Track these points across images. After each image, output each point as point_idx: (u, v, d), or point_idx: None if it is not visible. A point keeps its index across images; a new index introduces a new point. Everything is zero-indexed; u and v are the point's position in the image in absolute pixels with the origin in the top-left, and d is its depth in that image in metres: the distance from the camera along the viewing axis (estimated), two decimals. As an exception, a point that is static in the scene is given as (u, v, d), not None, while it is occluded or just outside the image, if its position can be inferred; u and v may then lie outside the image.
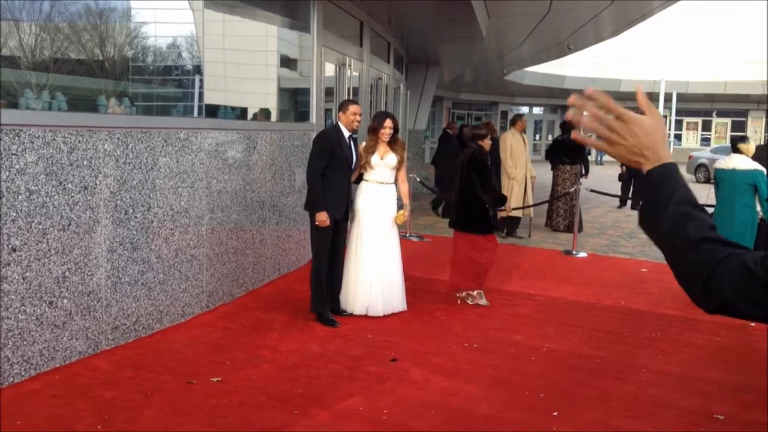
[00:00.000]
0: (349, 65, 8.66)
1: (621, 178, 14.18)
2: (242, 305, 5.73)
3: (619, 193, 13.83)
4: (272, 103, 7.35)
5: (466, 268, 6.08)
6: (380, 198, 5.63)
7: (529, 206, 9.83)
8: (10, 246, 3.69)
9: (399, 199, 5.85)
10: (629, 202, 13.77)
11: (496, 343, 5.03)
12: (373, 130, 5.61)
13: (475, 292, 6.12)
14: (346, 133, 5.48)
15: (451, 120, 27.26)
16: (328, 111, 8.10)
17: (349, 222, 5.72)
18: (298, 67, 8.02)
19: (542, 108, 35.83)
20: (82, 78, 4.95)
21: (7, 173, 3.65)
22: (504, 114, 32.45)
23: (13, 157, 3.68)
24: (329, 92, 8.14)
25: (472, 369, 4.49)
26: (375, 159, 5.58)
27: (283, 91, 7.70)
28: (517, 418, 3.76)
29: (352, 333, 5.10)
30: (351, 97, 8.82)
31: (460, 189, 6.15)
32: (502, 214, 8.21)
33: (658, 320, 5.86)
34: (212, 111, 6.05)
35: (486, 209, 6.05)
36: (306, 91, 7.62)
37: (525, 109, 35.78)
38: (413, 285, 6.67)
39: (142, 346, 4.59)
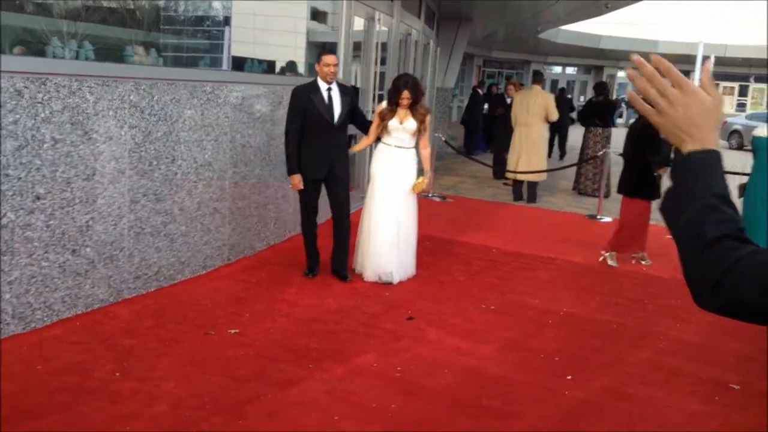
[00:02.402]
0: (379, 20, 8.53)
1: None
2: (263, 259, 5.79)
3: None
4: (300, 57, 7.29)
5: (632, 232, 6.42)
6: (397, 163, 5.36)
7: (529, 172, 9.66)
8: (34, 194, 3.75)
9: (420, 165, 5.66)
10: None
11: (513, 306, 5.03)
12: (390, 100, 5.32)
13: (640, 253, 6.60)
14: (324, 86, 5.11)
15: (481, 79, 26.91)
16: (355, 58, 8.01)
17: (368, 184, 5.61)
18: (327, 20, 7.92)
19: (576, 68, 35.12)
20: (112, 27, 4.96)
21: (33, 121, 3.69)
22: (536, 73, 31.93)
23: (39, 105, 3.72)
24: (357, 47, 8.05)
25: (488, 331, 4.51)
26: (393, 123, 5.27)
27: (311, 45, 7.63)
28: (530, 381, 3.78)
29: (369, 291, 5.14)
30: (379, 54, 8.71)
31: (632, 155, 6.36)
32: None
33: (678, 287, 5.80)
34: (239, 63, 6.03)
35: (654, 176, 6.25)
36: (335, 46, 7.54)
37: (558, 69, 35.14)
38: (433, 245, 6.69)
39: (163, 296, 4.67)
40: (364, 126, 5.49)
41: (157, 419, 3.06)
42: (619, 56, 31.50)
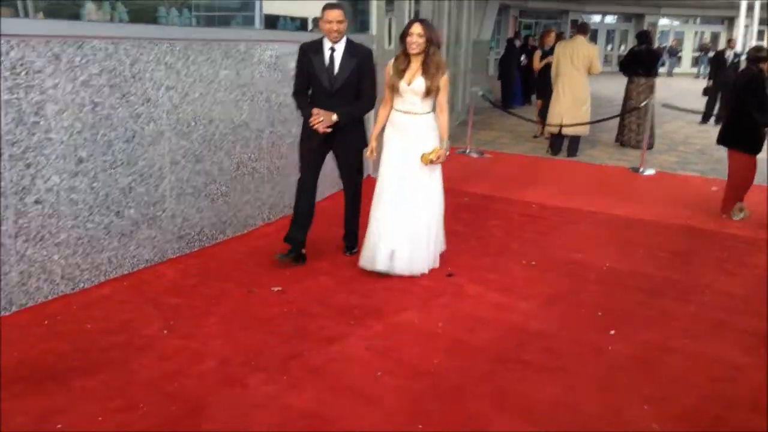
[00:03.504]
0: (412, -27, 8.36)
1: (706, 92, 13.56)
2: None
3: (691, 107, 13.26)
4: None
5: (741, 185, 6.38)
6: (409, 132, 4.47)
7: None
8: (77, 157, 3.80)
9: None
10: (713, 118, 13.16)
11: (555, 261, 4.99)
12: (401, 38, 4.45)
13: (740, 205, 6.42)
14: (327, 45, 4.49)
15: (517, 30, 26.31)
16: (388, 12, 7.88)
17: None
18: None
19: (615, 17, 34.12)
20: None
21: (72, 85, 3.72)
22: (574, 23, 31.11)
23: (77, 69, 3.74)
24: (390, 0, 7.90)
25: (528, 286, 4.48)
26: (402, 85, 4.39)
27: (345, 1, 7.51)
28: (572, 336, 3.76)
29: (409, 247, 5.14)
30: (412, 7, 8.54)
31: (735, 109, 6.32)
32: None
33: (724, 240, 5.69)
34: (272, 22, 5.98)
35: (759, 131, 6.19)
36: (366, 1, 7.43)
37: (597, 18, 34.18)
38: (472, 201, 6.65)
39: (206, 255, 4.74)
40: (360, 95, 4.59)
41: (204, 375, 3.13)
42: (660, 3, 30.49)
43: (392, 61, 4.50)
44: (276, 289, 4.18)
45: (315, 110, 4.40)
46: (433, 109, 4.52)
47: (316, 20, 6.82)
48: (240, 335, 3.55)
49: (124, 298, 3.91)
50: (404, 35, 4.38)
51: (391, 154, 4.52)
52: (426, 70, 4.36)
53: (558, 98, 9.40)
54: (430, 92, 4.37)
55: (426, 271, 4.52)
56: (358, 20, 7.76)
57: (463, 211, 6.30)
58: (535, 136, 10.93)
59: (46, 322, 3.54)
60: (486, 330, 3.78)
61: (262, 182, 5.44)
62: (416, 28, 4.32)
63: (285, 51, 5.61)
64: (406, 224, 4.43)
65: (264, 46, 5.30)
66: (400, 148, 4.48)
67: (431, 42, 4.34)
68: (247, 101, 5.15)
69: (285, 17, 6.37)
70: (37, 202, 3.62)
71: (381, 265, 4.42)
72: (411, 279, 4.44)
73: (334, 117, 4.40)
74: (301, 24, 6.72)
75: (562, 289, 4.46)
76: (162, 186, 4.42)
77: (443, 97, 4.49)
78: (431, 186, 4.53)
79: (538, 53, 11.04)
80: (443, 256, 4.77)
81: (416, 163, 4.43)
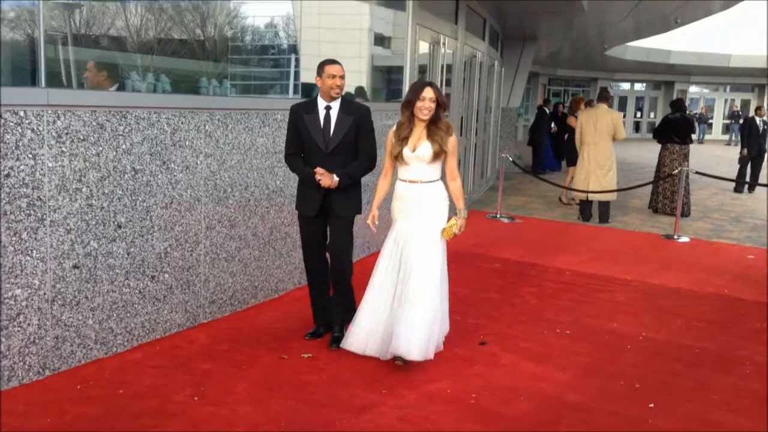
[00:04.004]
0: (444, 43, 8.56)
1: (742, 160, 13.49)
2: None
3: (724, 175, 13.16)
4: (364, 82, 7.37)
5: None
6: (416, 203, 4.15)
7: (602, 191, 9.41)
8: (116, 222, 3.88)
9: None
10: (746, 187, 13.07)
11: (590, 330, 4.90)
12: (407, 104, 4.10)
13: None
14: (322, 104, 4.21)
15: (546, 97, 26.61)
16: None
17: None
18: (390, 44, 8.00)
19: (644, 84, 34.36)
20: (184, 60, 5.11)
21: (114, 153, 3.83)
22: (603, 90, 31.38)
23: (120, 137, 3.86)
24: (422, 70, 8.08)
25: (564, 356, 4.39)
26: (406, 152, 4.10)
27: (375, 70, 7.70)
28: (611, 409, 3.66)
29: (441, 314, 5.09)
30: (444, 76, 8.71)
31: None
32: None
33: (763, 310, 5.55)
34: (308, 90, 6.12)
35: None
36: (398, 69, 7.59)
37: (626, 86, 34.45)
38: (503, 267, 6.61)
39: (238, 320, 4.74)
40: (358, 157, 4.30)
41: (234, 444, 3.09)
42: (690, 71, 30.68)
43: (393, 130, 4.21)
44: (306, 355, 4.16)
45: (318, 169, 4.14)
46: (443, 177, 4.22)
47: (360, 89, 7.02)
48: (270, 402, 3.51)
49: (156, 363, 3.91)
50: (413, 100, 4.06)
51: (393, 235, 4.23)
52: (432, 133, 4.08)
53: (583, 165, 9.43)
54: (438, 156, 4.07)
55: (431, 357, 4.06)
56: (390, 89, 7.93)
57: (495, 277, 6.26)
58: (561, 200, 10.94)
59: (78, 386, 3.55)
60: (521, 401, 3.69)
61: (294, 247, 5.48)
62: (429, 92, 4.04)
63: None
64: (409, 305, 4.01)
65: (299, 115, 5.41)
66: (404, 224, 4.18)
67: (440, 107, 4.10)
68: (282, 167, 5.23)
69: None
70: (75, 266, 3.68)
71: (374, 351, 4.10)
72: (444, 348, 4.38)
73: (336, 178, 4.16)
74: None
75: (598, 359, 4.37)
76: (197, 251, 4.48)
77: (453, 162, 4.19)
78: (436, 265, 4.16)
79: (572, 118, 11.14)
80: (475, 325, 4.71)
81: (423, 238, 4.11)
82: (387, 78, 8.10)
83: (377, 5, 7.61)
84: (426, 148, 4.07)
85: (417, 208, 4.14)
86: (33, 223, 3.44)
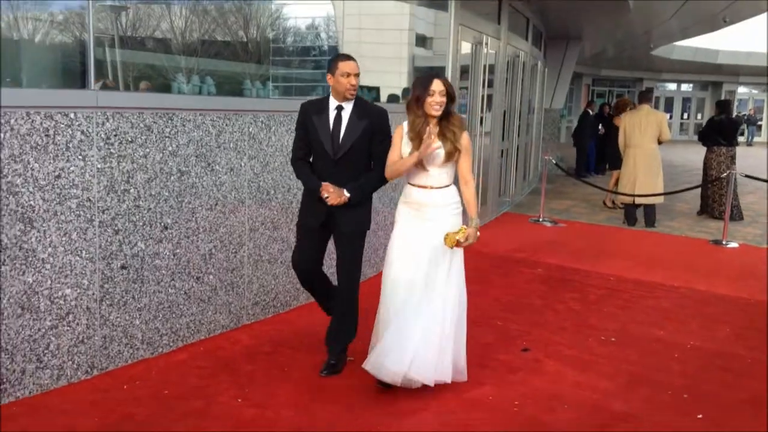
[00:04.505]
0: (486, 43, 8.49)
1: None
2: (375, 284, 5.79)
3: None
4: (405, 83, 7.35)
5: None
6: (427, 210, 3.70)
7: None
8: (162, 224, 3.93)
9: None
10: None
11: (636, 338, 4.79)
12: (416, 101, 3.61)
13: None
14: (333, 104, 3.79)
15: (590, 98, 26.24)
16: (463, 89, 8.00)
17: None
18: (431, 45, 7.97)
19: (691, 85, 33.66)
20: (228, 62, 5.16)
21: (161, 155, 3.88)
22: (648, 91, 30.80)
23: (167, 139, 3.91)
24: (464, 70, 8.03)
25: (609, 363, 4.31)
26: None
27: (416, 70, 7.67)
28: (658, 419, 3.57)
29: (481, 319, 5.04)
30: (487, 77, 8.63)
31: None
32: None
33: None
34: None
35: None
36: (439, 70, 7.55)
37: (672, 86, 33.79)
38: (546, 272, 6.52)
39: (280, 321, 4.77)
40: (372, 164, 3.86)
41: (277, 447, 3.10)
42: (738, 71, 29.95)
43: (403, 125, 3.71)
44: (349, 358, 4.15)
45: (327, 186, 3.71)
46: (456, 182, 3.78)
47: (407, 90, 6.99)
48: (312, 406, 3.51)
49: (201, 363, 3.95)
50: (423, 96, 3.59)
51: (404, 238, 3.75)
52: (444, 130, 3.62)
53: (629, 168, 9.25)
54: (451, 156, 3.62)
55: (448, 381, 3.67)
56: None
57: (538, 282, 6.18)
58: (606, 204, 10.76)
59: (125, 386, 3.61)
60: (565, 410, 3.63)
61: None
62: (438, 85, 3.58)
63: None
64: (419, 326, 3.58)
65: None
66: (413, 231, 3.71)
67: (452, 100, 3.64)
68: (324, 170, 5.25)
69: (361, 87, 6.53)
70: (123, 267, 3.74)
71: (386, 375, 3.58)
72: (487, 354, 4.34)
73: (346, 194, 3.72)
74: (376, 93, 6.86)
75: (644, 367, 4.27)
76: (240, 253, 4.51)
77: (466, 163, 3.72)
78: (450, 280, 3.69)
79: (619, 118, 10.96)
80: (518, 331, 4.64)
81: (434, 249, 3.64)
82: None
83: (418, 5, 7.58)
84: (437, 151, 3.61)
85: (428, 219, 3.67)
86: (82, 224, 3.50)
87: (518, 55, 10.50)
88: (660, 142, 9.18)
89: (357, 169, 3.78)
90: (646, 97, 9.61)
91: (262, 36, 5.59)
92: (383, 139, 3.80)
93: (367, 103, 3.93)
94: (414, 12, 7.53)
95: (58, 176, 3.36)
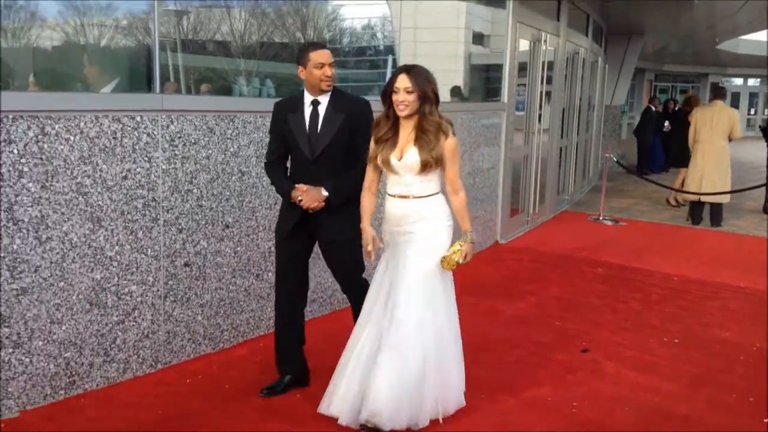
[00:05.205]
0: (545, 40, 8.38)
1: None
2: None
3: None
4: (460, 81, 7.33)
5: None
6: (403, 226, 3.21)
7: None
8: (224, 222, 4.03)
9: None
10: None
11: (699, 339, 4.67)
12: (383, 98, 3.18)
13: None
14: (308, 99, 3.41)
15: (652, 94, 25.58)
16: (521, 86, 7.92)
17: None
18: (488, 42, 7.92)
19: (759, 80, 32.45)
20: (286, 64, 5.24)
21: (223, 155, 3.97)
22: (714, 86, 29.83)
23: (228, 140, 4.00)
24: (522, 68, 7.94)
25: (671, 365, 4.21)
26: (393, 160, 3.15)
27: (473, 68, 7.64)
28: (722, 422, 3.47)
29: (538, 319, 5.00)
30: (545, 74, 8.52)
31: None
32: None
33: None
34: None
35: None
36: (496, 68, 7.50)
37: (739, 81, 32.67)
38: (607, 272, 6.41)
39: (336, 319, 4.81)
40: (352, 164, 3.39)
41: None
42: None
43: (376, 127, 3.25)
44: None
45: (299, 188, 3.35)
46: (443, 190, 3.28)
47: (455, 89, 6.97)
48: (370, 403, 3.54)
49: (260, 359, 4.03)
50: (388, 92, 3.14)
51: (387, 261, 3.30)
52: (420, 136, 3.12)
53: (696, 165, 9.00)
54: (427, 166, 3.10)
55: (426, 423, 3.18)
56: (488, 88, 7.85)
57: (598, 282, 6.08)
58: (670, 202, 10.49)
59: (188, 380, 3.71)
60: (625, 412, 3.57)
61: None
62: (402, 81, 3.08)
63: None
64: (392, 362, 3.07)
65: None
66: (394, 251, 3.26)
67: (425, 99, 3.11)
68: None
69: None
70: (186, 264, 3.85)
71: (345, 418, 3.15)
72: (545, 354, 4.30)
73: (324, 192, 3.32)
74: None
75: (708, 369, 4.16)
76: (299, 251, 4.58)
77: (453, 171, 3.19)
78: (431, 306, 3.18)
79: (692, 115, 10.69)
80: (576, 331, 4.57)
81: (413, 270, 3.15)
82: (485, 77, 8.02)
83: (475, 4, 7.54)
84: (412, 155, 3.11)
85: (407, 232, 3.19)
86: (148, 223, 3.62)
87: (578, 52, 10.33)
88: (730, 140, 8.91)
89: (336, 169, 3.37)
90: (720, 92, 9.35)
91: (319, 37, 5.66)
92: (364, 133, 3.32)
93: (346, 95, 3.51)
94: (470, 10, 7.49)
95: (125, 177, 3.49)
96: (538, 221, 8.69)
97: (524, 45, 7.87)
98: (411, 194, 3.17)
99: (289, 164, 3.54)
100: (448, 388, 3.30)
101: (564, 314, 5.12)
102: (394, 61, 6.11)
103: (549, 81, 8.84)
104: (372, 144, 3.21)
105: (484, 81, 8.03)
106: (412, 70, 3.11)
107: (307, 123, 3.38)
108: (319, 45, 3.50)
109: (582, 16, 10.76)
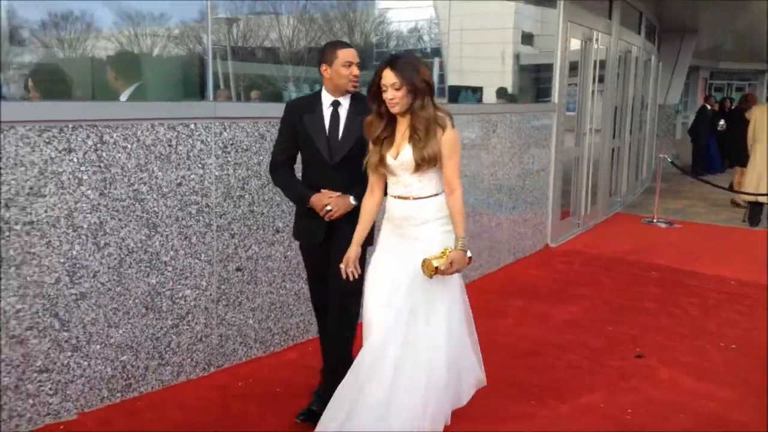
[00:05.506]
0: (596, 39, 8.25)
1: None
2: (477, 288, 5.77)
3: None
4: (509, 82, 7.27)
5: None
6: (402, 228, 2.97)
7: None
8: (274, 227, 4.08)
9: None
10: None
11: (758, 346, 4.53)
12: (369, 96, 2.93)
13: None
14: (328, 100, 3.23)
15: (707, 93, 24.90)
16: (572, 86, 7.82)
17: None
18: (538, 42, 7.83)
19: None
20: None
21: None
22: (773, 83, 28.85)
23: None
24: (573, 67, 7.83)
25: (728, 372, 4.10)
26: (389, 159, 2.91)
27: (521, 69, 7.57)
28: (783, 433, 3.37)
29: (590, 323, 4.92)
30: (597, 73, 8.38)
31: None
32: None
33: None
34: (454, 93, 6.13)
35: None
36: (546, 67, 7.43)
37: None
38: (661, 275, 6.27)
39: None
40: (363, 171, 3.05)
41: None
42: None
43: (367, 125, 2.97)
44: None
45: (326, 194, 3.14)
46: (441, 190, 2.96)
47: (502, 90, 6.93)
48: (419, 408, 3.54)
49: (310, 363, 4.05)
50: (373, 90, 2.89)
51: (384, 263, 3.00)
52: (414, 133, 2.85)
53: (755, 165, 8.75)
54: (422, 165, 2.83)
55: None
56: (538, 88, 7.76)
57: (652, 285, 5.96)
58: (735, 203, 10.19)
59: (240, 383, 3.77)
60: (681, 419, 3.49)
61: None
62: (387, 78, 2.80)
63: (465, 122, 5.73)
64: (393, 374, 2.85)
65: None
66: (393, 254, 2.98)
67: (416, 92, 2.81)
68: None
69: (466, 88, 6.52)
70: (238, 269, 3.91)
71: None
72: (597, 359, 4.23)
73: (352, 201, 3.14)
74: (480, 94, 6.82)
75: (766, 376, 4.03)
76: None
77: (450, 169, 2.87)
78: (440, 314, 2.91)
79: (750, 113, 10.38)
80: (629, 336, 4.48)
81: (417, 277, 2.84)
82: (535, 77, 7.94)
83: (524, 4, 7.47)
84: (408, 153, 2.86)
85: (411, 237, 2.94)
86: (201, 228, 3.70)
87: (630, 50, 10.14)
88: None
89: (356, 175, 3.08)
90: None
91: (366, 41, 5.69)
92: None
93: (366, 98, 3.10)
94: (519, 10, 7.43)
95: (180, 184, 3.57)
96: (589, 224, 8.56)
97: (575, 44, 7.76)
98: (411, 195, 2.92)
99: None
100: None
101: (617, 319, 5.03)
102: (441, 63, 6.09)
103: (601, 80, 8.70)
104: (370, 146, 2.96)
105: (534, 81, 7.95)
106: (396, 64, 2.81)
107: (327, 125, 3.21)
108: (346, 43, 3.31)
109: (635, 14, 10.56)
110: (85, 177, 3.18)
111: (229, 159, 3.79)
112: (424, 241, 2.87)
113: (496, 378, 3.92)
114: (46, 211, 3.05)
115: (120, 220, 3.33)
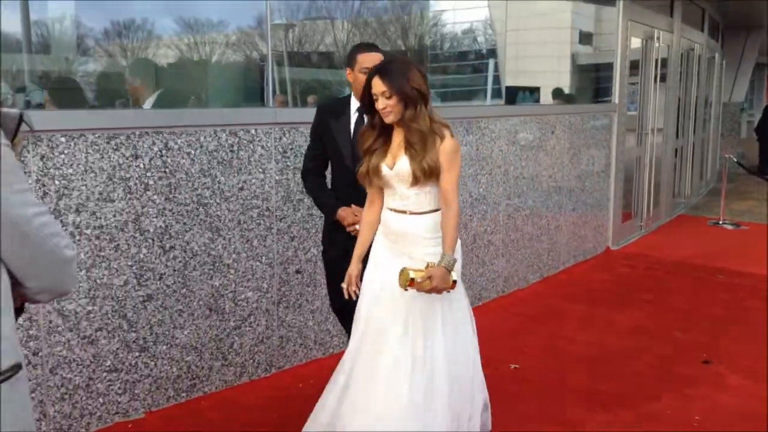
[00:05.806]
0: (657, 38, 8.05)
1: None
2: (537, 292, 5.71)
3: None
4: (566, 82, 7.16)
5: None
6: (401, 244, 2.77)
7: None
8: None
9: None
10: None
11: (835, 353, 4.35)
12: (363, 106, 2.81)
13: None
14: (355, 105, 3.12)
15: (775, 89, 24.01)
16: (632, 84, 7.65)
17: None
18: (596, 41, 7.70)
19: None
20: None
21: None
22: None
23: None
24: (633, 66, 7.66)
25: (803, 380, 3.94)
26: (384, 169, 2.72)
27: (579, 68, 7.44)
28: None
29: (657, 330, 4.79)
30: (659, 71, 8.18)
31: None
32: None
33: None
34: (511, 94, 6.08)
35: None
36: (604, 67, 7.28)
37: None
38: (729, 279, 6.09)
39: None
40: None
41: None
42: None
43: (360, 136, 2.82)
44: (513, 366, 4.11)
45: (356, 210, 3.04)
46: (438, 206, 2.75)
47: (558, 91, 6.82)
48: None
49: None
50: (365, 100, 2.73)
51: (372, 280, 2.83)
52: (410, 144, 2.65)
53: None
54: (420, 177, 2.62)
55: None
56: (598, 87, 7.62)
57: (719, 290, 5.77)
58: None
59: (300, 384, 3.81)
60: (750, 427, 3.37)
61: (497, 255, 5.45)
62: (377, 86, 2.62)
63: (523, 124, 5.67)
64: (379, 400, 2.74)
65: (503, 121, 5.39)
66: (385, 274, 2.75)
67: (408, 99, 2.61)
68: (486, 175, 5.24)
69: (524, 89, 6.45)
70: (297, 271, 3.96)
71: None
72: (664, 366, 4.12)
73: None
74: (537, 94, 6.74)
75: None
76: (406, 258, 4.61)
77: (447, 181, 2.65)
78: (442, 334, 2.76)
79: None
80: (697, 342, 4.35)
81: (411, 296, 2.65)
82: (593, 77, 7.80)
83: (582, 2, 7.36)
84: (404, 163, 2.66)
85: (401, 255, 2.74)
86: (262, 232, 3.76)
87: (693, 48, 9.87)
88: None
89: None
90: None
91: (420, 44, 5.69)
92: None
93: None
94: (576, 9, 7.31)
95: (242, 188, 3.63)
96: (652, 226, 8.35)
97: (635, 43, 7.59)
98: (407, 209, 2.73)
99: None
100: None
101: (684, 325, 4.89)
102: (496, 64, 6.04)
103: (663, 79, 8.49)
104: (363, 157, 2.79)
105: (592, 81, 7.81)
106: (385, 71, 2.63)
107: (353, 132, 3.09)
108: (370, 46, 3.14)
109: (697, 11, 10.27)
110: (151, 182, 3.26)
111: (288, 163, 3.84)
112: (416, 262, 2.66)
113: (555, 383, 3.88)
114: (114, 216, 3.15)
115: (184, 224, 3.41)
